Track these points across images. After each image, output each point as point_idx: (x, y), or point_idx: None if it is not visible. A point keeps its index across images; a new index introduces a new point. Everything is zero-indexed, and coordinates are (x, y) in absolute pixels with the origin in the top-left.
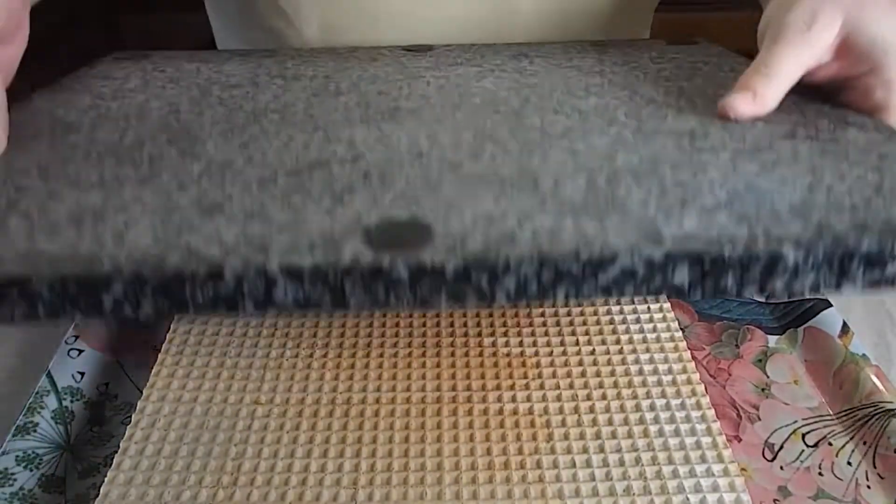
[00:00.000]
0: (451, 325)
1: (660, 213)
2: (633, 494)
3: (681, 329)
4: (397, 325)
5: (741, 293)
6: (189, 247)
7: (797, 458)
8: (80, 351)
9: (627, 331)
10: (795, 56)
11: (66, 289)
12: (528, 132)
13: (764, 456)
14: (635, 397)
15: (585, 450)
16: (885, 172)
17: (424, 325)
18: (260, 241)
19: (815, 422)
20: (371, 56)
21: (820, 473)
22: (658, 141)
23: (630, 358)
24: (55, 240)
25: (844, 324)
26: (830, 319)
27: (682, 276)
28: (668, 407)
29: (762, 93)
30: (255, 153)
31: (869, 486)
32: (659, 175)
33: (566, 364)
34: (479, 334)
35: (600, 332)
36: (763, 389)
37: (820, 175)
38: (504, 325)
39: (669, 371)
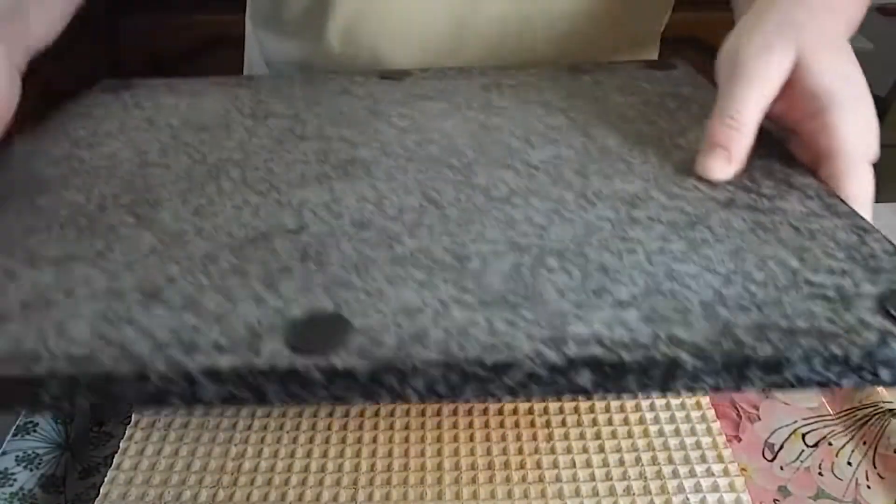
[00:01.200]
0: None
1: (573, 307)
2: (633, 494)
3: None
4: None
5: (645, 393)
6: (123, 343)
7: (797, 458)
8: None
9: None
10: (756, 100)
11: (3, 386)
12: (472, 195)
13: (764, 456)
14: (635, 397)
15: (585, 450)
16: (806, 259)
17: None
18: (189, 339)
19: (815, 422)
20: (343, 87)
21: (820, 473)
22: (596, 210)
23: None
24: (2, 333)
25: None
26: None
27: (584, 379)
28: (668, 407)
29: (735, 151)
30: (206, 223)
31: (869, 486)
32: (585, 256)
33: None
34: None
35: None
36: (763, 389)
37: (742, 260)
38: None
39: None
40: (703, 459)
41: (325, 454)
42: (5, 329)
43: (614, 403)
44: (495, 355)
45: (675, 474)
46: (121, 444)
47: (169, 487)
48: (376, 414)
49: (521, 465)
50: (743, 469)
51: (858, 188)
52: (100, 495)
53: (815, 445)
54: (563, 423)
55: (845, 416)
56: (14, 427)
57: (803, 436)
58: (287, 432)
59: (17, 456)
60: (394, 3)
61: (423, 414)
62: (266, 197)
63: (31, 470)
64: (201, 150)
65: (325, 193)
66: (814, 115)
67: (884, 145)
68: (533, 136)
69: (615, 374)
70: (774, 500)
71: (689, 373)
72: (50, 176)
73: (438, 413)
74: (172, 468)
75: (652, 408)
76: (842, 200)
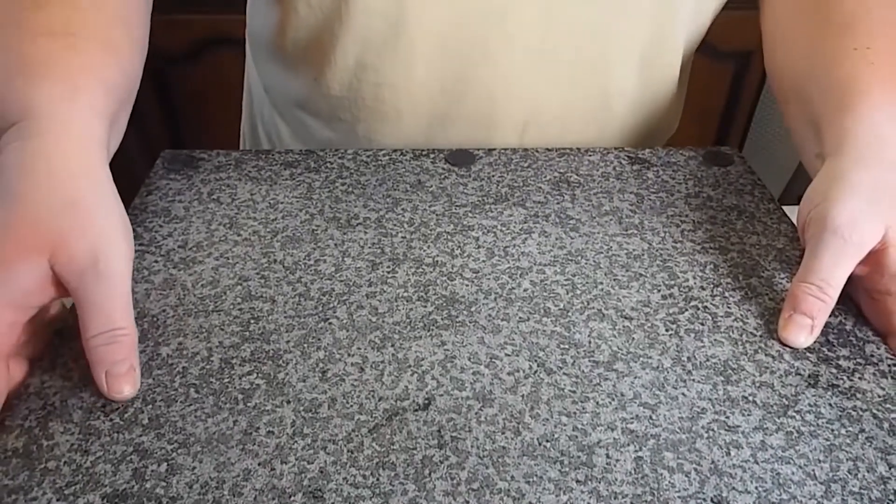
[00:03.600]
0: None
1: None
2: None
3: None
4: None
5: None
6: None
7: None
8: None
9: None
10: (844, 270)
11: None
12: (577, 358)
13: None
14: None
15: None
16: (891, 463)
17: None
18: None
19: None
20: (416, 177)
21: None
22: (695, 385)
23: None
24: None
25: None
26: None
27: None
28: None
29: (818, 321)
30: (336, 391)
31: None
32: (698, 452)
33: None
34: None
35: None
36: None
37: (836, 462)
38: None
39: None
40: None
41: None
42: None
43: None
44: None
45: None
46: None
47: None
48: None
49: None
50: None
51: None
52: None
53: None
54: None
55: None
56: None
57: None
58: None
59: None
60: (397, 56)
61: None
62: (383, 352)
63: None
64: (300, 276)
65: (437, 349)
66: (894, 294)
67: None
68: (616, 270)
69: None
70: None
71: None
72: (160, 312)
73: None
74: None
75: None
76: None
